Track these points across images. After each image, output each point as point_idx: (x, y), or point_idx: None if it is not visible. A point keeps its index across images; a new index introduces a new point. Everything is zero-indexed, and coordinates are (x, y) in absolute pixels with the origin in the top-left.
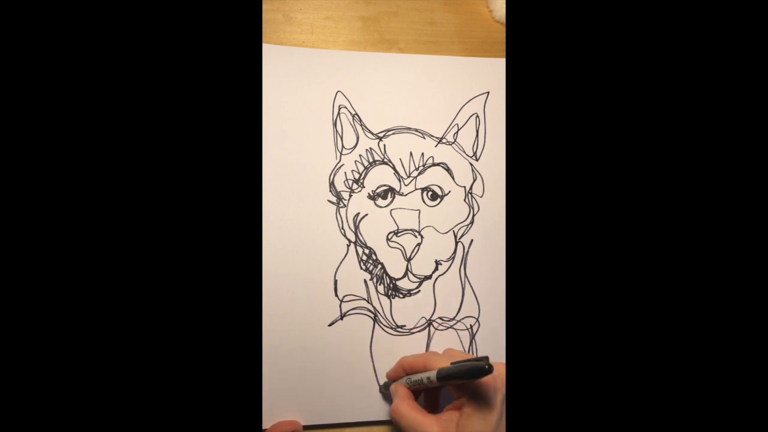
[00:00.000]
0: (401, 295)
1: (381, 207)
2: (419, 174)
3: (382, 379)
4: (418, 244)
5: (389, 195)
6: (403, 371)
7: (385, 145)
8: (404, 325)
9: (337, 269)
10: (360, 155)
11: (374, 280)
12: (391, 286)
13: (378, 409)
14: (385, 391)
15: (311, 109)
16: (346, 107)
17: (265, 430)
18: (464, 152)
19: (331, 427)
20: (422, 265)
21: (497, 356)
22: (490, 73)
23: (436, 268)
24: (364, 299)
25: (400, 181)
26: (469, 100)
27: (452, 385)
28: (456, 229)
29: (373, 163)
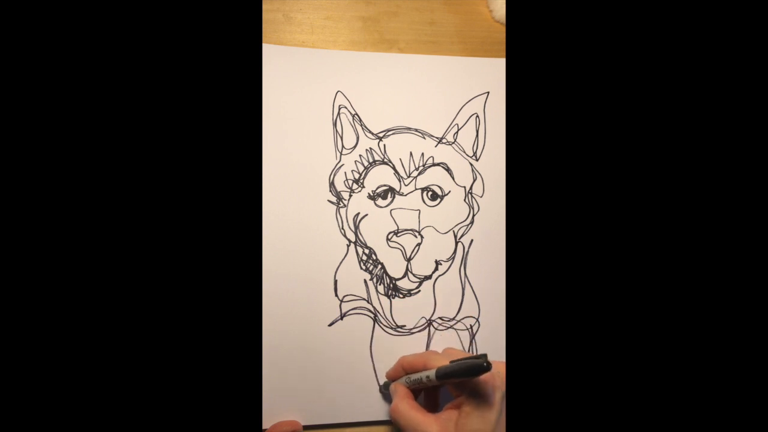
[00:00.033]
0: (401, 295)
1: (381, 207)
2: (419, 174)
3: (382, 379)
4: (418, 244)
5: (389, 195)
6: (402, 371)
7: (385, 145)
8: (404, 325)
9: (337, 269)
10: (360, 155)
11: (374, 280)
12: (391, 286)
13: (378, 409)
14: (385, 391)
15: (311, 109)
16: (346, 107)
17: (265, 430)
18: (464, 152)
19: (331, 427)
20: (422, 265)
21: (497, 356)
22: (490, 73)
23: (436, 268)
24: (364, 299)
25: (400, 181)
26: (469, 100)
27: (451, 384)
28: (456, 229)
29: (373, 163)
